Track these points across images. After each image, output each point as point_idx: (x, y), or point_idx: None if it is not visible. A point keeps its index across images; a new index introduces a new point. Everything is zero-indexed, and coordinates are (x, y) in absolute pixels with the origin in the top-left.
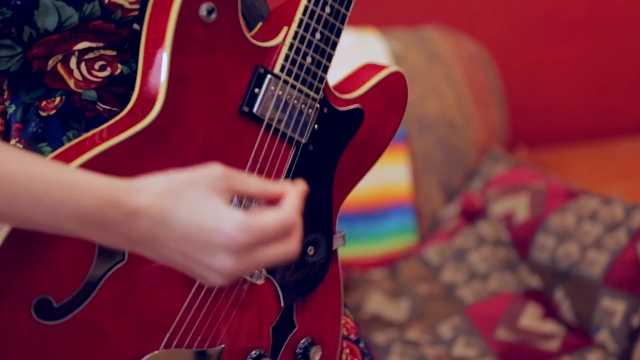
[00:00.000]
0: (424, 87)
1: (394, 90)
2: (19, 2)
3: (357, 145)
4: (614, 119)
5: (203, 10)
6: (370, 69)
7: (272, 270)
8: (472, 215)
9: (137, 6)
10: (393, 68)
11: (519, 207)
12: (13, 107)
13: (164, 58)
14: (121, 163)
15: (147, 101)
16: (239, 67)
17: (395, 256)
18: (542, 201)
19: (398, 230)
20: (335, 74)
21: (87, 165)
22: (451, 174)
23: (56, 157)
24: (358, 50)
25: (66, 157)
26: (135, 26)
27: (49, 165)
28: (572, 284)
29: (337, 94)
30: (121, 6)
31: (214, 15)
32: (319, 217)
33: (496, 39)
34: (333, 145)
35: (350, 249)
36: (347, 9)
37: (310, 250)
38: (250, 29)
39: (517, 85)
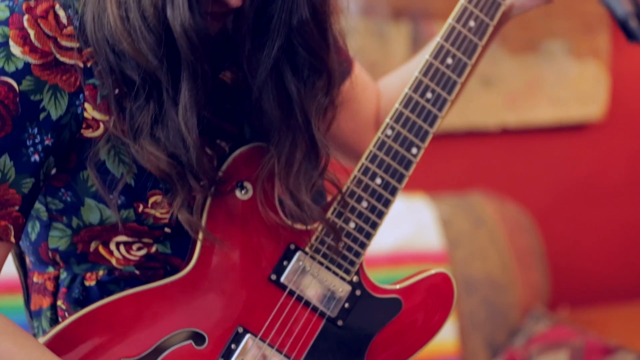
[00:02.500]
0: (470, 249)
1: (438, 289)
2: (68, 199)
3: (395, 332)
4: None
5: (238, 186)
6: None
7: None
8: None
9: (167, 215)
10: (439, 269)
11: None
12: (65, 274)
13: (202, 220)
14: (150, 306)
15: (186, 262)
16: (272, 241)
17: None
18: (580, 357)
19: None
20: (383, 239)
21: (118, 303)
22: (495, 332)
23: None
24: (406, 214)
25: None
26: (167, 230)
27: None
28: None
29: (376, 282)
30: (153, 215)
31: (249, 194)
32: None
33: (538, 203)
34: (365, 327)
35: None
36: (393, 194)
37: None
38: None
39: (559, 247)
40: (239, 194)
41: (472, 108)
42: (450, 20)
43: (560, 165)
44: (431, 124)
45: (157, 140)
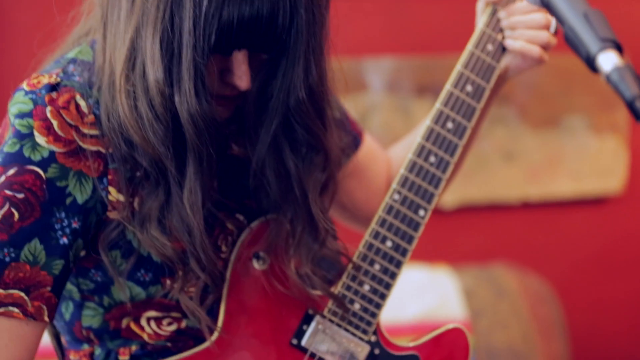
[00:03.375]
0: (492, 320)
1: (454, 345)
2: (99, 279)
3: None
4: None
5: (255, 257)
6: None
7: None
8: None
9: (193, 290)
10: (454, 324)
11: None
12: (99, 351)
13: (223, 294)
14: None
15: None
16: (292, 306)
17: None
18: None
19: None
20: (407, 309)
21: None
22: None
23: None
24: (430, 285)
25: None
26: None
27: None
28: None
29: (392, 340)
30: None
31: (266, 264)
32: None
33: (559, 274)
34: None
35: None
36: (404, 255)
37: None
38: None
39: (579, 318)
40: (256, 264)
41: (494, 182)
42: (447, 85)
43: (581, 237)
44: (436, 186)
45: (163, 226)
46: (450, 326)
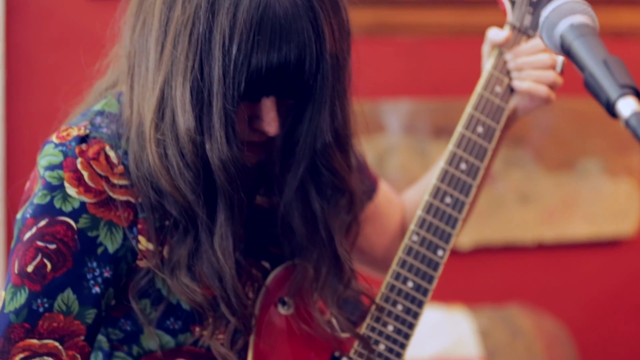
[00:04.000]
0: None
1: None
2: (128, 328)
3: None
4: None
5: (280, 302)
6: None
7: None
8: None
9: (222, 337)
10: None
11: None
12: None
13: (250, 340)
14: None
15: None
16: (319, 349)
17: None
18: None
19: None
20: (423, 349)
21: None
22: None
23: None
24: (446, 325)
25: None
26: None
27: None
28: None
29: None
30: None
31: (291, 309)
32: None
33: (574, 316)
34: None
35: None
36: (420, 307)
37: None
38: None
39: (594, 359)
40: (281, 309)
41: (510, 223)
42: (459, 128)
43: (595, 279)
44: (453, 226)
45: (193, 273)
46: None
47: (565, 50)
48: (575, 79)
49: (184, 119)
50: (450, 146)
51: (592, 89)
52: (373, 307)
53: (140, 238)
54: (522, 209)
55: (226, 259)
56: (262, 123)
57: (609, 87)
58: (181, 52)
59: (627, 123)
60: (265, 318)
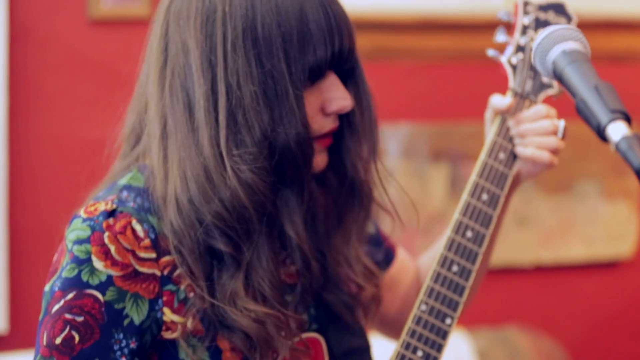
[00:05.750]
0: None
1: None
2: None
3: None
4: None
5: None
6: None
7: None
8: None
9: None
10: None
11: None
12: None
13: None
14: None
15: None
16: None
17: None
18: None
19: None
20: None
21: None
22: None
23: None
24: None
25: None
26: None
27: None
28: None
29: None
30: None
31: None
32: None
33: (572, 337)
34: None
35: None
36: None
37: None
38: None
39: None
40: None
41: (508, 246)
42: (465, 196)
43: (593, 301)
44: (460, 294)
45: (254, 298)
46: None
47: (558, 75)
48: (573, 102)
49: (258, 118)
50: (456, 215)
51: (583, 113)
52: None
53: (165, 310)
54: (520, 231)
55: (300, 238)
56: (335, 102)
57: (600, 112)
58: (242, 62)
59: (617, 147)
60: None
